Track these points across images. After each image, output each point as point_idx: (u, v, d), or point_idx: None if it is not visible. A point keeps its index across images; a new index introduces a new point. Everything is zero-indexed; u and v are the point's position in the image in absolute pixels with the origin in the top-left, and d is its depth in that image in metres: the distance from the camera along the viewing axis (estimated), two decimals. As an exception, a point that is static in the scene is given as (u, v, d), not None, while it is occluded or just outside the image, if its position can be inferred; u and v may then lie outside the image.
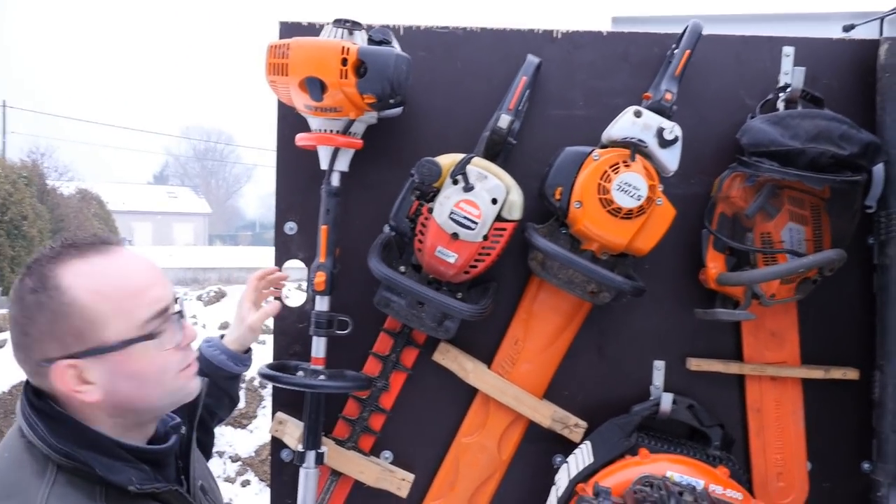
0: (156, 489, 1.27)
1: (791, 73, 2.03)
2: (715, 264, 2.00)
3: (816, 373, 2.05)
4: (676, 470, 1.88)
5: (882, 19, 2.12)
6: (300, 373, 2.00)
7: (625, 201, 1.85)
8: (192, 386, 1.40)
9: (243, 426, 5.93)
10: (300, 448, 2.02)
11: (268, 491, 5.58)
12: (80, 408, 1.27)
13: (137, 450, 1.31)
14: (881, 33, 2.13)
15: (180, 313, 1.35)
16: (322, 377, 1.98)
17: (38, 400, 1.27)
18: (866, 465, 2.08)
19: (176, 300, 1.36)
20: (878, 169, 1.98)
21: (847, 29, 2.22)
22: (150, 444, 1.38)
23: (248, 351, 1.95)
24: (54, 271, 1.24)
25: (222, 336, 1.93)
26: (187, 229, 47.43)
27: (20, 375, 5.28)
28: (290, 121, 2.07)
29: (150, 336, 1.27)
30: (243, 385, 6.06)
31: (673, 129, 1.88)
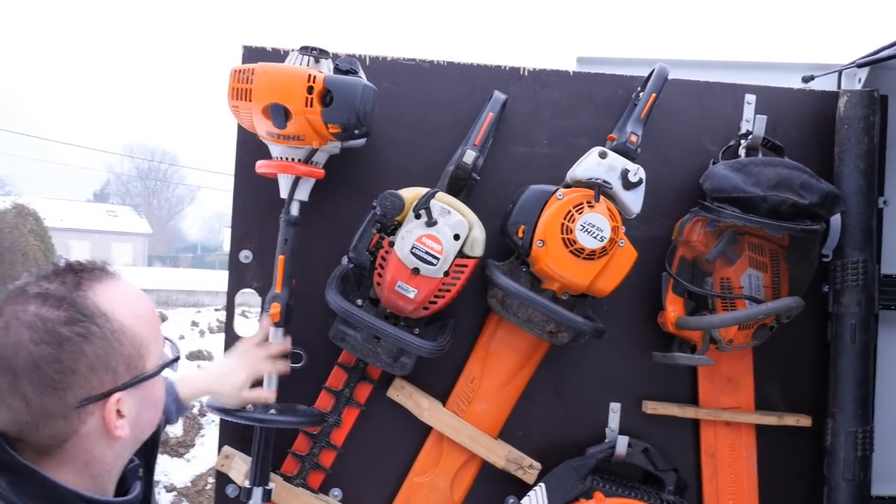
0: None
1: (752, 121, 2.06)
2: (674, 308, 2.00)
3: (770, 419, 2.06)
4: (631, 515, 1.86)
5: (840, 72, 2.17)
6: (250, 406, 1.93)
7: (588, 242, 1.85)
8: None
9: (180, 455, 5.77)
10: (247, 484, 1.95)
11: (206, 521, 5.46)
12: (78, 454, 1.15)
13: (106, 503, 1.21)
14: (839, 86, 2.17)
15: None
16: (273, 411, 1.92)
17: (5, 455, 1.12)
18: (817, 513, 2.08)
19: None
20: (835, 219, 2.01)
21: (806, 80, 2.26)
22: (116, 495, 1.27)
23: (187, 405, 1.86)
24: (89, 299, 1.12)
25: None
26: (127, 249, 46.44)
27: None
28: (249, 147, 2.03)
29: (174, 360, 1.27)
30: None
31: (637, 172, 1.89)
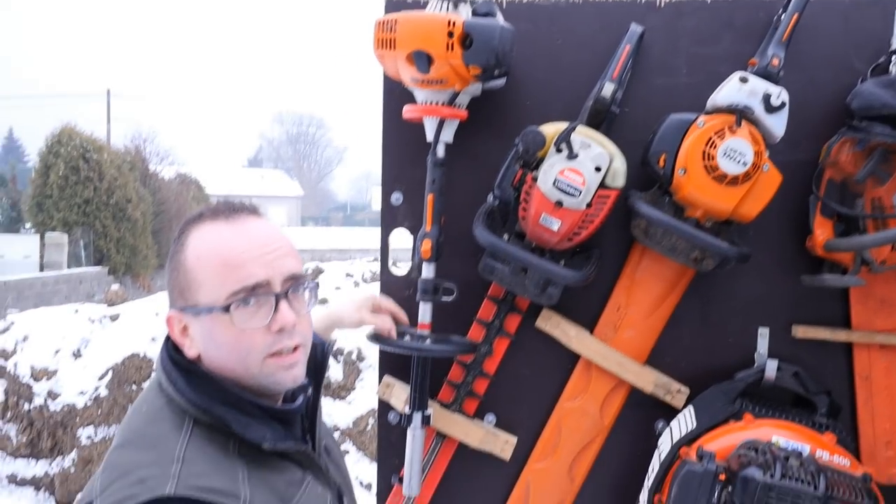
0: (287, 448, 1.32)
1: (904, 36, 1.98)
2: (823, 231, 1.98)
3: (928, 341, 2.01)
4: (782, 435, 1.87)
5: None
6: (407, 337, 2.07)
7: (730, 167, 1.85)
8: (286, 378, 1.36)
9: (342, 398, 6.11)
10: (407, 410, 2.10)
11: (366, 459, 5.78)
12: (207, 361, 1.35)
13: (269, 409, 1.35)
14: None
15: (280, 296, 1.33)
16: (428, 341, 2.05)
17: (177, 354, 1.34)
18: (981, 436, 2.03)
19: (293, 282, 1.36)
20: None
21: (963, -12, 2.15)
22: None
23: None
24: (189, 231, 1.35)
25: None
26: (281, 211, 48.56)
27: (134, 347, 5.54)
28: (395, 94, 2.13)
29: (227, 309, 1.29)
30: (341, 358, 6.24)
31: (780, 95, 1.87)
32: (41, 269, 19.13)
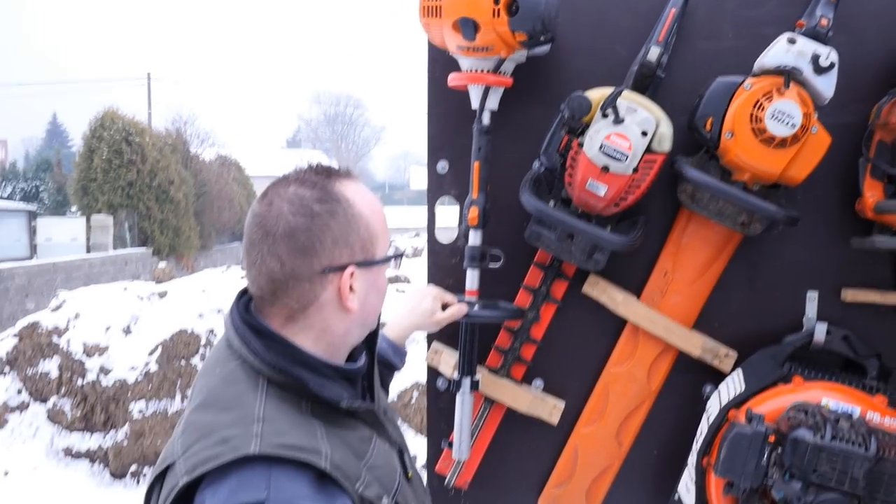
0: (358, 407, 1.35)
1: (956, -6, 1.95)
2: (873, 193, 1.96)
3: (982, 303, 1.99)
4: (832, 397, 1.88)
5: None
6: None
7: (778, 130, 1.84)
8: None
9: (386, 373, 6.19)
10: (455, 376, 2.13)
11: (411, 431, 5.84)
12: (317, 322, 1.35)
13: (340, 369, 1.39)
14: None
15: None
16: (476, 307, 2.08)
17: (248, 315, 1.36)
18: None
19: None
20: None
21: None
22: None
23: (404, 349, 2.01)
24: (336, 187, 1.35)
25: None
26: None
27: (182, 323, 5.63)
28: (440, 63, 2.15)
29: (399, 255, 1.48)
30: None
31: (829, 55, 1.85)
32: (88, 251, 19.51)
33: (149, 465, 6.30)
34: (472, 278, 2.10)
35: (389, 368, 1.93)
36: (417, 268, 8.19)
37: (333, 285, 1.33)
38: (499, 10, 1.84)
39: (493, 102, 2.04)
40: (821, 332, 2.02)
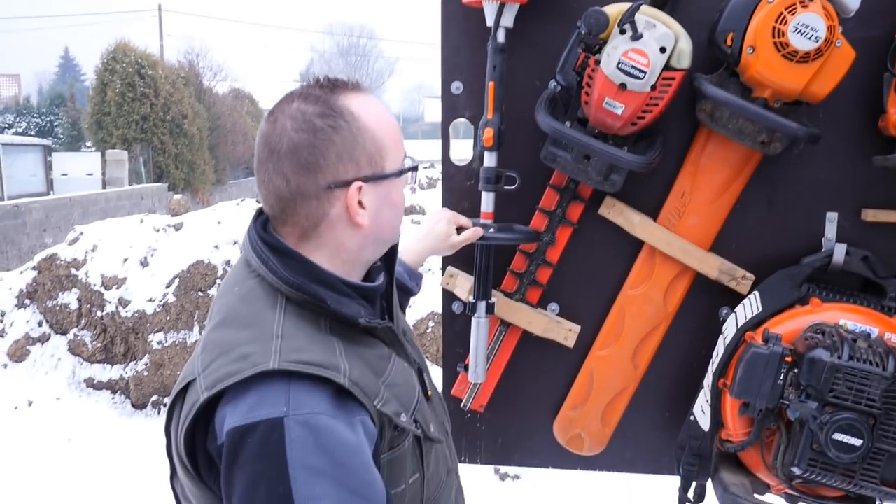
0: (377, 324, 1.35)
1: None
2: (896, 110, 1.92)
3: None
4: (850, 318, 1.86)
5: None
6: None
7: (802, 44, 1.79)
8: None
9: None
10: (471, 299, 2.13)
11: (427, 361, 5.89)
12: (329, 240, 1.35)
13: (357, 286, 1.38)
14: None
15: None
16: (492, 230, 2.06)
17: (267, 234, 1.35)
18: None
19: None
20: None
21: None
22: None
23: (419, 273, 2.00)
24: (340, 101, 1.32)
25: None
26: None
27: (199, 255, 5.65)
28: (454, -20, 2.10)
29: (413, 168, 1.44)
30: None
31: (856, -35, 1.79)
32: (103, 186, 19.57)
33: (169, 396, 6.42)
34: (487, 201, 2.08)
35: (406, 292, 1.92)
36: (432, 199, 8.17)
37: (341, 201, 1.31)
38: (513, -79, 1.79)
39: (508, 20, 1.99)
40: (840, 252, 1.99)
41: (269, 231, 1.36)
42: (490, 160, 2.05)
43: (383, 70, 60.44)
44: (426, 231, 2.04)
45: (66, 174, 20.49)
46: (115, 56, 20.90)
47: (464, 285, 2.18)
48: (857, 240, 2.04)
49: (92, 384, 6.52)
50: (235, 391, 1.19)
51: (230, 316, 1.31)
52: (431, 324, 5.91)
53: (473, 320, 2.11)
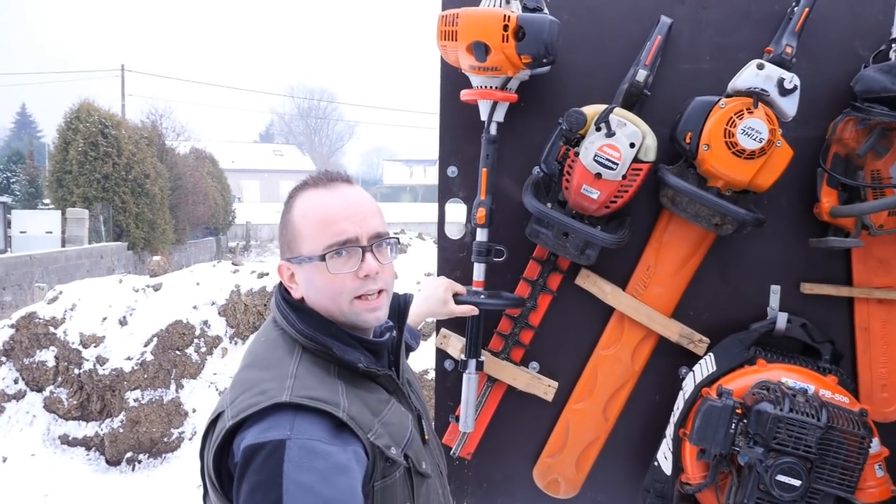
0: (376, 370, 1.61)
1: (903, 27, 2.24)
2: (828, 199, 2.25)
3: (921, 296, 2.30)
4: (790, 377, 2.16)
5: None
6: (463, 295, 2.36)
7: (748, 143, 2.13)
8: (370, 317, 1.63)
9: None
10: (462, 357, 2.40)
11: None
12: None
13: (363, 340, 1.65)
14: None
15: (366, 249, 1.60)
16: (483, 296, 2.35)
17: (288, 295, 1.65)
18: (966, 379, 2.31)
19: (378, 238, 1.62)
20: None
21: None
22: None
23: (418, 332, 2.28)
24: (296, 196, 1.64)
25: None
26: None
27: (177, 314, 5.79)
28: (451, 79, 2.42)
29: (323, 258, 1.57)
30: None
31: (792, 80, 2.14)
32: (63, 244, 19.44)
33: (144, 452, 6.50)
34: (478, 271, 2.37)
35: (406, 349, 2.18)
36: (400, 266, 8.40)
37: (279, 274, 1.66)
38: (507, 35, 2.11)
39: (499, 115, 2.31)
40: (782, 320, 2.31)
41: (290, 292, 1.66)
42: (482, 235, 2.35)
43: (343, 133, 60.89)
44: (426, 296, 2.32)
45: (24, 231, 20.33)
46: (78, 115, 20.90)
47: (455, 345, 2.46)
48: (797, 309, 2.37)
49: (67, 441, 6.58)
50: (254, 419, 1.45)
51: (256, 360, 1.60)
52: (426, 376, 6.09)
53: (465, 376, 2.38)
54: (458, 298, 2.32)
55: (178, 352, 6.57)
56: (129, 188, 20.97)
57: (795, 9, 2.22)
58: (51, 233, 20.05)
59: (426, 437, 1.76)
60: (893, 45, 2.24)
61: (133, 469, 6.36)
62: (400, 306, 1.83)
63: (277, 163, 50.04)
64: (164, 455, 6.53)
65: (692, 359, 2.39)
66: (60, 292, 7.02)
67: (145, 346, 6.64)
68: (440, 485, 1.77)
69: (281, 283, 1.69)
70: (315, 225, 1.59)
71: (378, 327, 1.75)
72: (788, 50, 2.18)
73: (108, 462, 6.51)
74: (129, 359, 6.56)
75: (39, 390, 6.71)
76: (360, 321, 1.63)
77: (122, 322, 6.81)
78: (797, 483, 1.99)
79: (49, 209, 21.78)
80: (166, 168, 23.44)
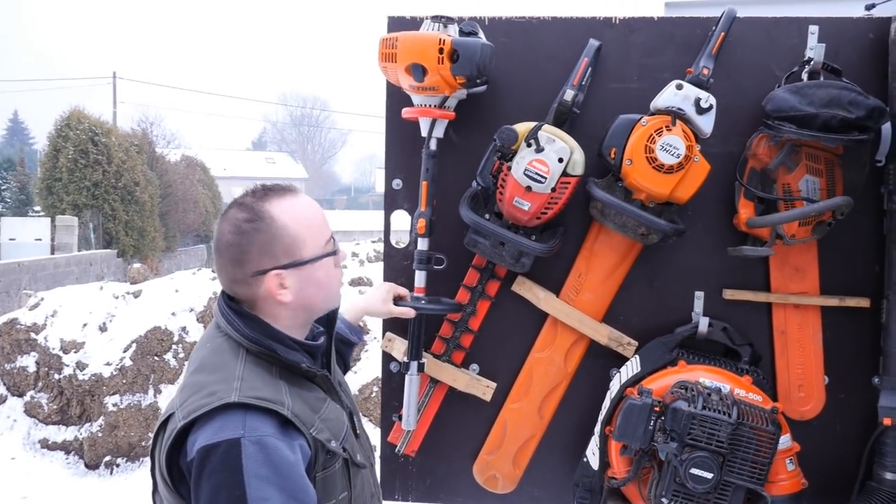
0: (315, 371, 1.75)
1: (815, 49, 2.39)
2: (745, 210, 2.40)
3: (833, 301, 2.44)
4: (708, 377, 2.30)
5: (898, -1, 2.46)
6: (405, 301, 2.51)
7: (667, 159, 2.27)
8: (340, 297, 1.89)
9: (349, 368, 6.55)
10: (405, 359, 2.54)
11: (370, 425, 6.21)
12: (267, 309, 1.75)
13: (302, 343, 1.79)
14: (897, 12, 2.45)
15: (335, 240, 1.83)
16: (423, 302, 2.49)
17: (233, 303, 1.77)
18: (875, 379, 2.44)
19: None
20: (888, 128, 2.32)
21: (868, 8, 2.54)
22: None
23: (361, 327, 2.43)
24: (264, 207, 1.70)
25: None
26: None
27: (156, 321, 5.93)
28: (396, 97, 2.56)
29: (332, 253, 1.78)
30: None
31: (708, 99, 2.29)
32: (52, 251, 19.51)
33: (122, 456, 6.62)
34: (420, 278, 2.51)
35: (347, 344, 2.33)
36: (379, 271, 8.55)
37: (265, 286, 1.72)
38: (443, 58, 2.26)
39: (438, 131, 2.46)
40: (704, 324, 2.46)
41: (234, 300, 1.78)
42: (423, 245, 2.49)
43: (336, 140, 61.02)
44: (366, 295, 2.49)
45: (13, 239, 20.40)
46: (68, 123, 20.97)
47: (400, 348, 2.60)
48: (720, 314, 2.51)
49: (46, 445, 6.70)
50: (204, 419, 1.57)
51: (202, 364, 1.71)
52: (376, 388, 6.25)
53: (407, 377, 2.52)
54: (398, 302, 2.46)
55: (156, 357, 6.70)
56: (118, 196, 21.04)
57: (713, 33, 2.37)
58: (40, 240, 20.13)
59: (357, 432, 1.90)
60: (805, 67, 2.39)
61: (111, 473, 6.48)
62: (330, 315, 1.97)
63: (270, 170, 50.08)
64: (141, 459, 6.65)
65: (622, 361, 2.53)
66: (42, 299, 7.15)
67: (124, 351, 6.76)
68: (371, 474, 1.92)
69: (223, 294, 1.80)
70: (310, 228, 1.75)
71: (310, 333, 1.89)
72: (705, 71, 2.32)
73: (86, 466, 6.63)
74: (108, 364, 6.69)
75: (20, 395, 6.83)
76: (335, 303, 1.88)
77: (102, 328, 6.93)
78: (709, 476, 2.12)
79: (39, 216, 21.84)
80: (156, 176, 23.53)
